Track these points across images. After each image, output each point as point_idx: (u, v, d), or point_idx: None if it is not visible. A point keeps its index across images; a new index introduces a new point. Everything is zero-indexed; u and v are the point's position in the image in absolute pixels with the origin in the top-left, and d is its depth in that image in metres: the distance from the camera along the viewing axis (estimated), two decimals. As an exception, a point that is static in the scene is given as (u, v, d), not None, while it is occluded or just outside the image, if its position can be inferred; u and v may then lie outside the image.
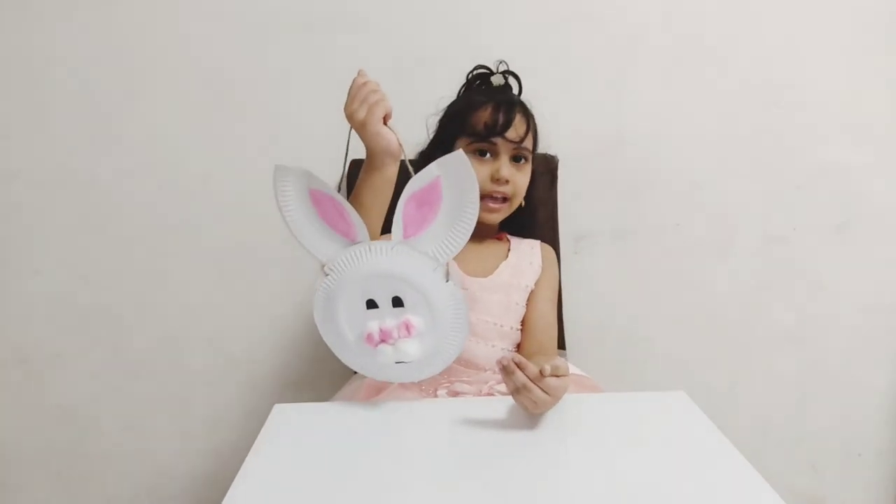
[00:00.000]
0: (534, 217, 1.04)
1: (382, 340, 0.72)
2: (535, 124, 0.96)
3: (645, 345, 1.30)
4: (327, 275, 0.72)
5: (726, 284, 1.28)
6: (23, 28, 1.14)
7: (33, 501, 1.27)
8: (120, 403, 1.25)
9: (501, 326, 0.93)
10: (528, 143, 0.95)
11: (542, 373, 0.65)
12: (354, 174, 0.77)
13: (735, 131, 1.23)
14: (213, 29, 1.16)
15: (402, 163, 0.77)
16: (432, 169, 0.67)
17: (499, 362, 0.67)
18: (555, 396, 0.67)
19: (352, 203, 0.78)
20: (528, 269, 0.98)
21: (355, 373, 1.05)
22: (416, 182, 0.67)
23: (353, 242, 0.70)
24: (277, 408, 0.74)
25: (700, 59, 1.20)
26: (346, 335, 0.73)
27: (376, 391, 0.87)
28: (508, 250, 1.00)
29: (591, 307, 1.27)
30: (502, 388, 0.88)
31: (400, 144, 0.75)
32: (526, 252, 1.00)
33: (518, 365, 0.66)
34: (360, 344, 0.73)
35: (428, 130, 0.99)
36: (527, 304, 0.96)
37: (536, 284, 0.97)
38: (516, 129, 0.92)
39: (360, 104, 0.74)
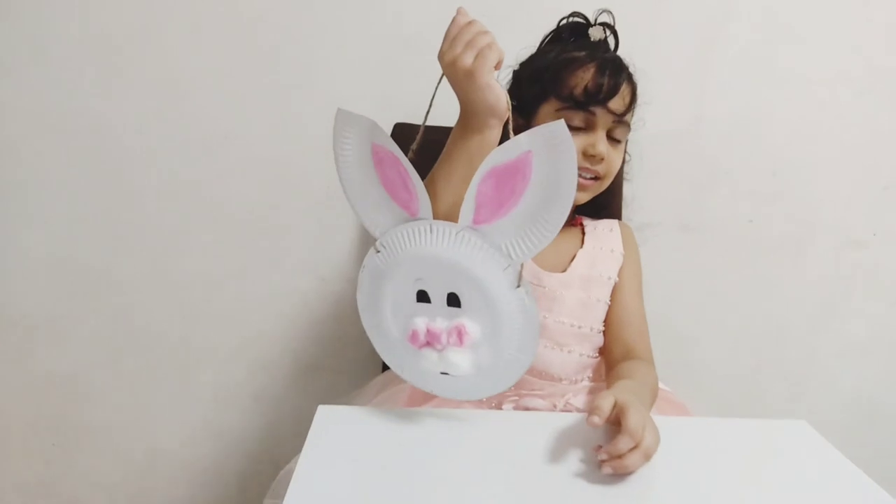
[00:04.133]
0: (612, 199, 0.88)
1: (428, 343, 0.58)
2: (637, 95, 0.78)
3: (701, 348, 1.18)
4: (378, 251, 0.60)
5: (796, 289, 1.17)
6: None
7: (22, 472, 1.20)
8: (118, 375, 1.16)
9: (580, 328, 0.77)
10: (629, 118, 0.77)
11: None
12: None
13: (821, 121, 1.11)
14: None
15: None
16: (522, 141, 0.51)
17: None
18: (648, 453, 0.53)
19: (437, 173, 0.64)
20: (608, 258, 0.81)
21: (385, 363, 0.94)
22: (500, 155, 0.52)
23: (413, 218, 0.57)
24: (322, 409, 0.63)
25: (789, 43, 1.08)
26: (388, 327, 0.61)
27: (424, 397, 0.75)
28: (583, 236, 0.83)
29: (646, 304, 1.10)
30: (581, 401, 0.74)
31: (509, 101, 0.60)
32: (604, 236, 0.83)
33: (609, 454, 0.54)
34: (403, 341, 0.60)
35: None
36: (610, 300, 0.80)
37: (620, 275, 0.80)
38: (623, 99, 0.74)
39: (465, 48, 0.58)
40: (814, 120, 1.10)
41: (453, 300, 0.57)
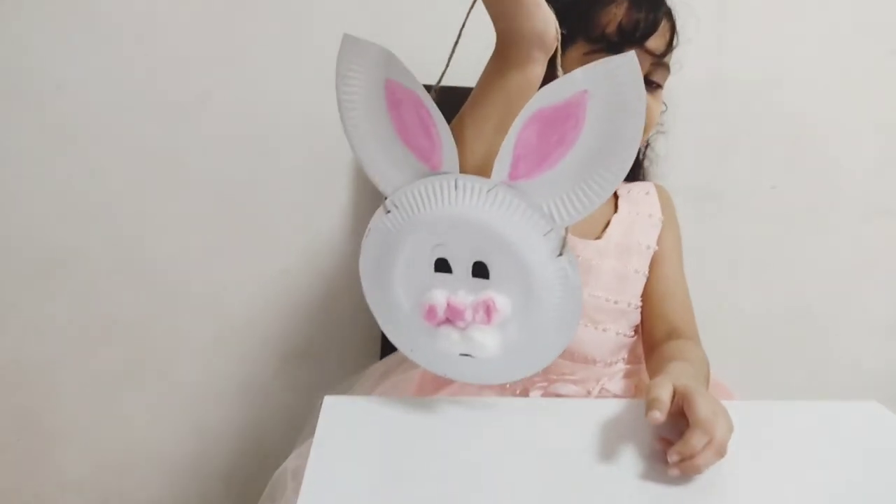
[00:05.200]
0: (644, 157, 0.80)
1: (448, 320, 0.50)
2: (678, 33, 0.69)
3: (719, 324, 1.10)
4: (389, 211, 0.50)
5: (820, 261, 1.12)
6: None
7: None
8: (90, 366, 1.05)
9: (616, 303, 0.70)
10: (668, 60, 0.69)
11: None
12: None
13: (848, 82, 1.05)
14: None
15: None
16: (576, 78, 0.42)
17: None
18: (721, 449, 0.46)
19: (465, 118, 0.54)
20: (646, 224, 0.74)
21: (386, 348, 0.87)
22: (548, 95, 0.43)
23: (435, 171, 0.48)
24: (329, 400, 0.55)
25: None
26: (398, 301, 0.52)
27: (436, 385, 0.67)
28: (616, 199, 0.75)
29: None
30: (617, 386, 0.68)
31: (558, 29, 0.50)
32: (640, 199, 0.76)
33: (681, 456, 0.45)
34: (416, 317, 0.51)
35: None
36: (649, 271, 0.73)
37: (659, 243, 0.73)
38: (662, 37, 0.66)
39: None
40: (840, 80, 1.05)
41: (480, 270, 0.48)
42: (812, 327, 1.14)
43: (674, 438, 0.46)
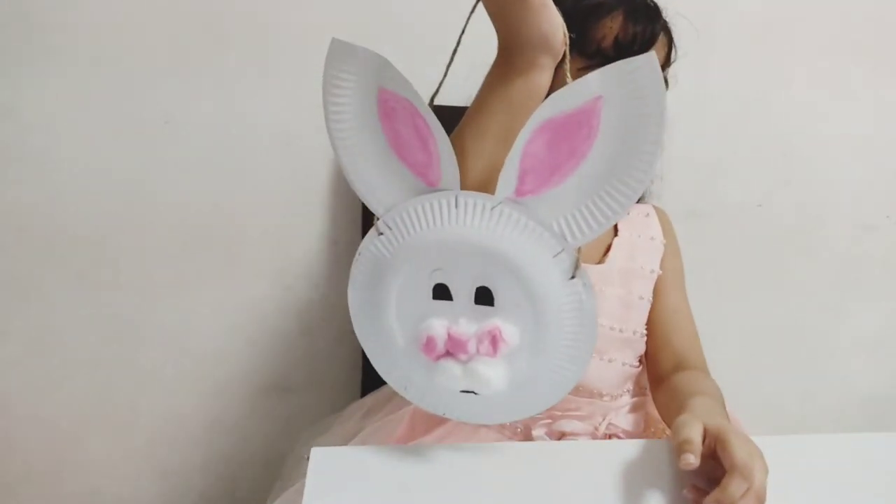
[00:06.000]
0: None
1: (449, 352, 0.45)
2: (675, 48, 0.67)
3: (707, 343, 1.14)
4: (381, 233, 0.45)
5: (807, 278, 1.11)
6: None
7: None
8: (48, 403, 0.98)
9: (621, 332, 0.66)
10: (666, 74, 0.67)
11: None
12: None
13: (832, 100, 1.05)
14: None
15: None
16: (590, 82, 0.39)
17: None
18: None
19: (465, 130, 0.49)
20: (648, 248, 0.71)
21: (368, 382, 0.81)
22: (557, 103, 0.40)
23: (432, 188, 0.44)
24: (316, 453, 0.49)
25: (799, 18, 1.03)
26: (392, 333, 0.47)
27: (428, 424, 0.61)
28: (616, 223, 0.72)
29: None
30: (625, 421, 0.63)
31: (566, 33, 0.46)
32: (640, 222, 0.73)
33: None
34: (412, 351, 0.46)
35: None
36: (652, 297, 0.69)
37: (662, 267, 0.70)
38: (661, 50, 0.64)
39: None
40: (825, 98, 1.05)
41: (483, 296, 0.44)
42: (801, 345, 1.13)
43: (701, 483, 0.42)
